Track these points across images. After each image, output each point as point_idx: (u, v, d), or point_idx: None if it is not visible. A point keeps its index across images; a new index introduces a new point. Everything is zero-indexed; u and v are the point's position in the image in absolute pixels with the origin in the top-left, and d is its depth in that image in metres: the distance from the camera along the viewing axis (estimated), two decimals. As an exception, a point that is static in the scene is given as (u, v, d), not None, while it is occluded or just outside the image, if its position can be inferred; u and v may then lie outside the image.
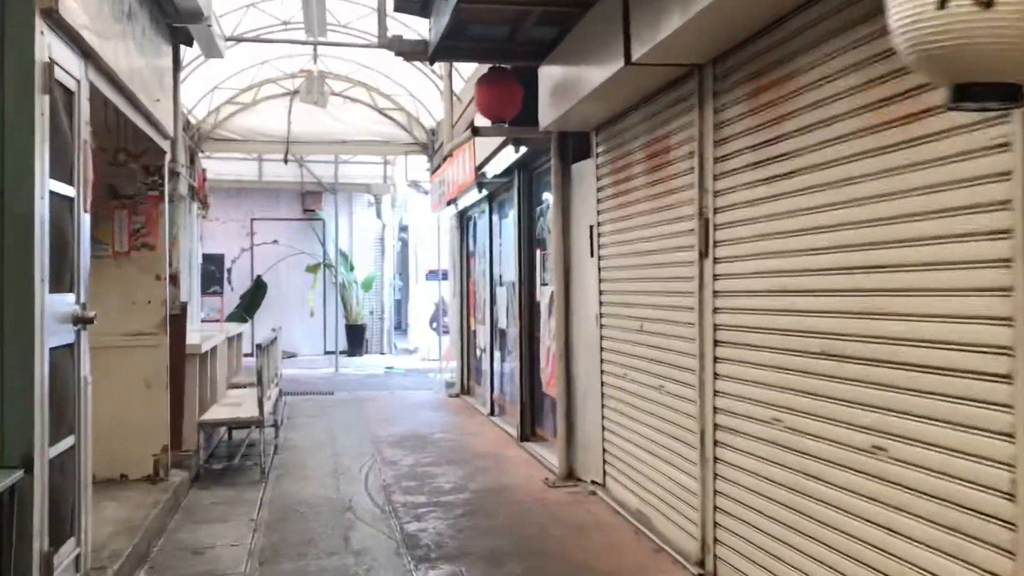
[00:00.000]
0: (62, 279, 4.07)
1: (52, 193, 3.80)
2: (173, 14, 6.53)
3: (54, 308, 3.85)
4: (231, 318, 16.93)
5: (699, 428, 4.75)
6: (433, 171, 13.33)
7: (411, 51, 6.49)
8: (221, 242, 18.25)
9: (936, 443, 2.94)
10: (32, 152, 3.59)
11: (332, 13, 10.51)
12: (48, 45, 3.76)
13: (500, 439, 9.21)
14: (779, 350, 3.95)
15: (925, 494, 2.98)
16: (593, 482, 6.74)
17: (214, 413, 7.88)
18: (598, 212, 6.57)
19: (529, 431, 8.83)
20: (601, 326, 6.55)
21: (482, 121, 7.25)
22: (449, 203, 11.35)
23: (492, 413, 10.72)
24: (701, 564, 4.75)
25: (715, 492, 4.60)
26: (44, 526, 3.68)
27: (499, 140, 7.81)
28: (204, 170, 13.88)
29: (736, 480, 4.37)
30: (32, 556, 3.55)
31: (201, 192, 13.41)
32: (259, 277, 18.29)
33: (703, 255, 4.69)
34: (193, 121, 13.01)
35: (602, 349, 6.55)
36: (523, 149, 7.39)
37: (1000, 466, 2.66)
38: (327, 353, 18.17)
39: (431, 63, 7.23)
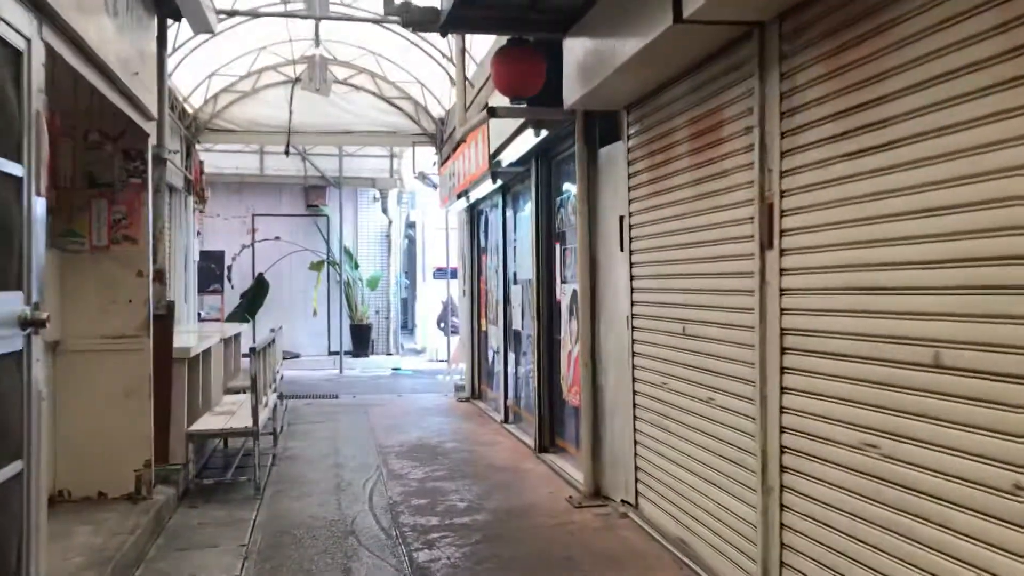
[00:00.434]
0: (5, 274, 3.40)
1: (-11, 170, 3.13)
2: (156, -20, 5.87)
3: (-8, 309, 3.18)
4: (232, 318, 16.31)
5: (760, 449, 4.05)
6: (442, 162, 12.65)
7: (420, 20, 5.80)
8: (221, 238, 17.61)
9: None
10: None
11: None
12: (-18, -10, 3.09)
13: (516, 450, 8.52)
14: (871, 360, 3.26)
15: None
16: (624, 502, 6.05)
17: (205, 423, 7.20)
18: (630, 201, 5.88)
19: (548, 442, 8.13)
20: (633, 328, 5.86)
21: (499, 102, 6.57)
22: (459, 196, 10.65)
23: (506, 420, 10.04)
24: (762, 608, 4.07)
25: (781, 526, 3.91)
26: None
27: (515, 125, 7.12)
28: (201, 162, 13.22)
29: (810, 514, 3.67)
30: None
31: (198, 185, 12.76)
32: (261, 275, 17.64)
33: (766, 246, 4.00)
34: (189, 110, 12.35)
35: (634, 354, 5.86)
36: (544, 133, 6.68)
37: None
38: (331, 354, 17.51)
39: (443, 34, 6.52)
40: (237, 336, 11.21)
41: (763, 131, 4.03)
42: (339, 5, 10.44)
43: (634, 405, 5.87)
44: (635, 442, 5.86)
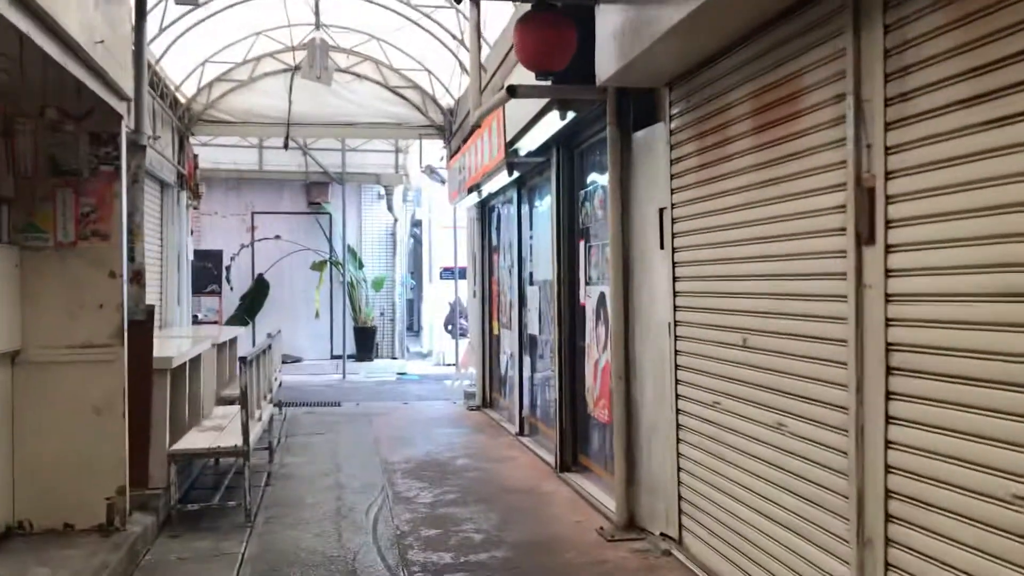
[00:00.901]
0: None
1: None
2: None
3: None
4: (231, 320, 15.59)
5: (855, 492, 3.29)
6: (451, 155, 11.88)
7: (433, -18, 5.04)
8: (219, 237, 16.87)
9: None
10: None
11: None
12: None
13: (535, 468, 7.76)
14: (1016, 387, 2.50)
15: None
16: (664, 535, 5.29)
17: (189, 441, 6.44)
18: (672, 191, 5.11)
19: (570, 459, 7.36)
20: (676, 338, 5.09)
21: (518, 82, 5.81)
22: (470, 191, 9.88)
23: (521, 432, 9.27)
24: None
25: (885, 589, 3.15)
26: None
27: (534, 110, 6.35)
28: (195, 156, 12.47)
29: (929, 579, 2.91)
30: None
31: (191, 180, 12.02)
32: (260, 276, 16.91)
33: (865, 241, 3.23)
34: (182, 100, 11.60)
35: (677, 367, 5.10)
36: (571, 115, 5.91)
37: None
38: (334, 357, 16.75)
39: (458, 0, 5.75)
40: (234, 340, 10.48)
41: (859, 99, 3.26)
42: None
43: (677, 425, 5.10)
44: (678, 468, 5.10)
